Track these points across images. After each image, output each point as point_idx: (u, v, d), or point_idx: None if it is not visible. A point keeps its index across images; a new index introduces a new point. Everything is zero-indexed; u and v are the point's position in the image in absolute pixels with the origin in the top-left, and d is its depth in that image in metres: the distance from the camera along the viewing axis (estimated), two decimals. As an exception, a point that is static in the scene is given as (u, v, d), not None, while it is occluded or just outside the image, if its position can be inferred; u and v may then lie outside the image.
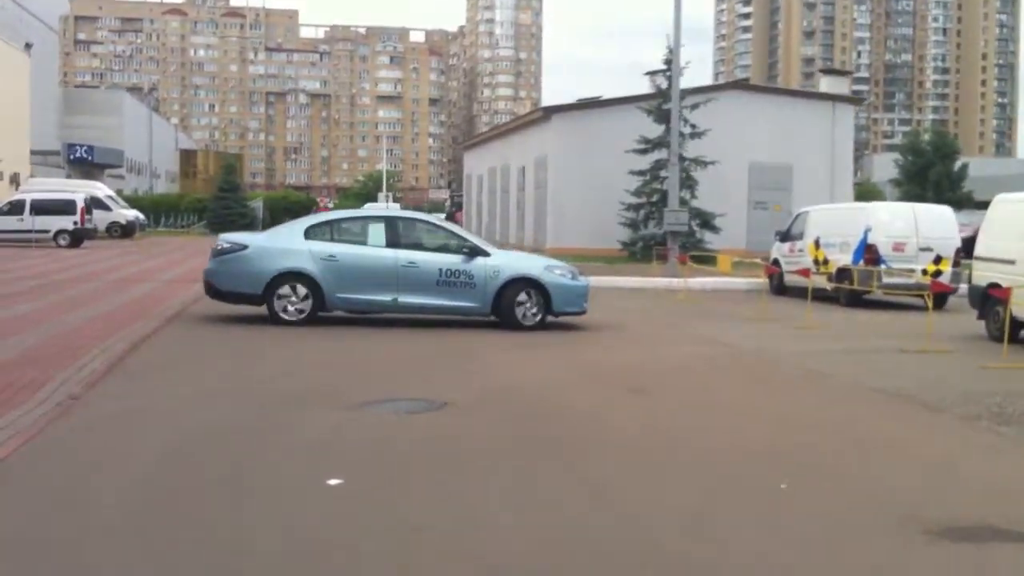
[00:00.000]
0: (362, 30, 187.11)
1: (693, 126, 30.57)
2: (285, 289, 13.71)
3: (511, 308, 13.83)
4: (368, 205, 74.67)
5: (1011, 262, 13.62)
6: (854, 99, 43.76)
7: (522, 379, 10.00)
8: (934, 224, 19.38)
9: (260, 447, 6.91)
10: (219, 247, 14.35)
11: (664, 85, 32.66)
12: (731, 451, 7.12)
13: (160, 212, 56.05)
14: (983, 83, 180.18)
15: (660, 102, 31.97)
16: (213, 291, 14.25)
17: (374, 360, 11.15)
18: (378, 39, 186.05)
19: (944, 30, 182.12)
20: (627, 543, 5.04)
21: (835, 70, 46.38)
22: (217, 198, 54.00)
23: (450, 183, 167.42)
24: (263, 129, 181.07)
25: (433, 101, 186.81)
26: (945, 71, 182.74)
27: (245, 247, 14.17)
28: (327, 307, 13.87)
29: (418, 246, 14.09)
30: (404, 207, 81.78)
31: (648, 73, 37.77)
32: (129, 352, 10.85)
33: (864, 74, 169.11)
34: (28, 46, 59.80)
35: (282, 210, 62.07)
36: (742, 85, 44.36)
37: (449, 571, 4.64)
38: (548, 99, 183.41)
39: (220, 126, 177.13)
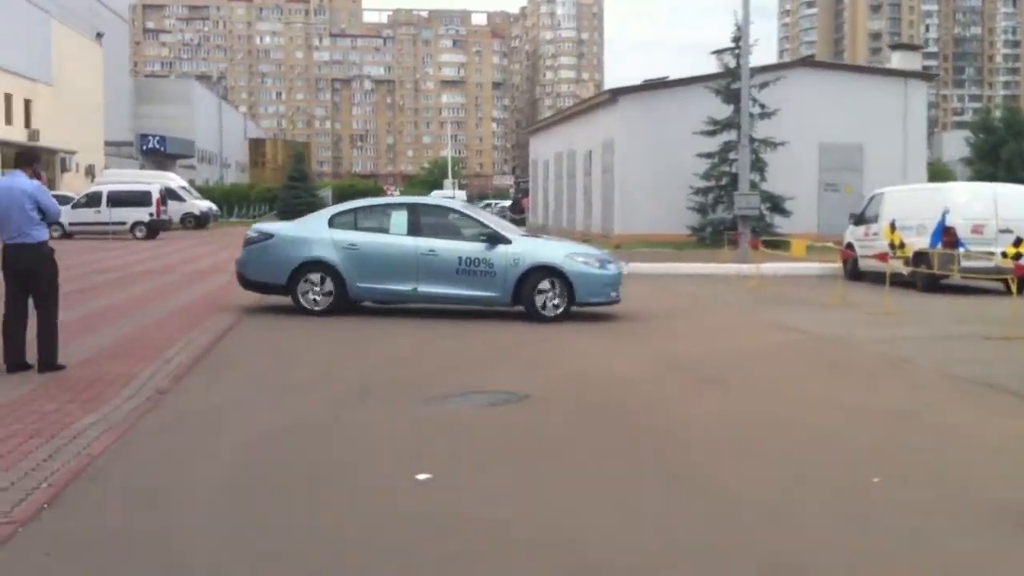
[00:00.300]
0: (424, 14, 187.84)
1: (762, 106, 30.13)
2: (309, 279, 13.66)
3: (531, 298, 13.40)
4: (435, 193, 75.17)
5: (1100, 243, 13.25)
6: (926, 75, 42.77)
7: (596, 370, 9.98)
8: (1014, 205, 18.91)
9: (347, 441, 7.00)
10: (249, 237, 14.45)
11: (732, 64, 32.18)
12: (818, 444, 7.06)
13: (231, 202, 56.97)
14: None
15: (728, 81, 31.49)
16: (243, 281, 14.33)
17: (450, 352, 11.21)
18: (440, 22, 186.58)
19: (1015, 1, 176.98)
20: (722, 538, 5.02)
21: (906, 45, 45.30)
22: (287, 187, 54.77)
23: (514, 168, 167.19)
24: (329, 117, 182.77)
25: (496, 85, 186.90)
26: (1016, 44, 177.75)
27: (271, 236, 14.19)
28: (349, 297, 13.73)
29: (439, 234, 13.75)
30: (470, 195, 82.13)
31: (715, 52, 37.28)
32: (212, 345, 11.06)
33: (932, 49, 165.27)
34: (99, 36, 60.99)
35: (351, 198, 62.70)
36: (810, 62, 43.55)
37: (546, 566, 4.65)
38: (611, 81, 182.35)
39: (287, 114, 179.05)
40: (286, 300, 14.02)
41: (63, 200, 30.78)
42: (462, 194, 75.86)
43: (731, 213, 30.49)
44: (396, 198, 18.78)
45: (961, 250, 18.17)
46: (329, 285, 13.61)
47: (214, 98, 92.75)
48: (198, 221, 42.91)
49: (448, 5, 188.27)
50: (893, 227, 19.27)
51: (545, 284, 13.40)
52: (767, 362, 10.73)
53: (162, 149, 67.86)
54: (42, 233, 9.11)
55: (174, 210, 39.66)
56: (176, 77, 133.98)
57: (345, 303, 13.70)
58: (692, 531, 5.14)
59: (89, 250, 27.09)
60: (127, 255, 25.66)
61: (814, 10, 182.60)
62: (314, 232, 13.92)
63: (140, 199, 34.27)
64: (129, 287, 17.12)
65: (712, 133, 31.21)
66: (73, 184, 47.45)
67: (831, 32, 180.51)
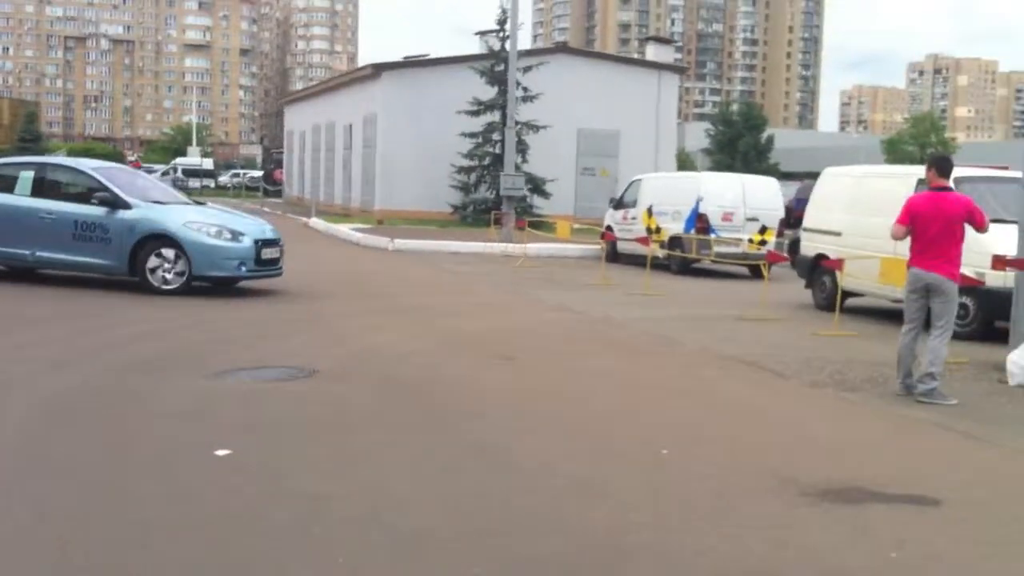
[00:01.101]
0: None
1: (525, 89, 30.72)
2: None
3: (143, 268, 12.58)
4: (178, 160, 72.03)
5: (838, 234, 14.39)
6: (678, 68, 44.97)
7: (380, 347, 9.92)
8: (760, 195, 20.27)
9: (132, 416, 6.64)
10: None
11: (496, 47, 32.65)
12: (606, 417, 7.33)
13: (-48, 161, 52.33)
14: (788, 56, 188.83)
15: (493, 63, 31.91)
16: None
17: (215, 326, 10.81)
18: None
19: (753, 1, 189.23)
20: (529, 507, 5.11)
21: (661, 38, 47.43)
22: (19, 149, 51.01)
23: (262, 138, 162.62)
24: (60, 76, 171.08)
25: (244, 51, 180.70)
26: (754, 43, 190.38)
27: None
28: None
29: (63, 197, 13.09)
30: (216, 163, 79.27)
31: (479, 33, 37.75)
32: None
33: (677, 42, 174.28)
34: None
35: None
36: (571, 50, 44.86)
37: (363, 539, 4.59)
38: (364, 54, 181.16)
39: (14, 71, 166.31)
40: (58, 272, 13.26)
41: None
42: (208, 162, 73.11)
43: (493, 193, 31.09)
44: (27, 158, 17.90)
45: (713, 236, 19.30)
46: None
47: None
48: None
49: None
50: (650, 212, 20.25)
51: (165, 253, 12.56)
52: (546, 340, 11.01)
53: None
54: None
55: None
56: None
57: None
58: (508, 502, 5.21)
59: None
60: None
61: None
62: None
63: None
64: None
65: (476, 113, 31.53)
66: None
67: (583, 20, 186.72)
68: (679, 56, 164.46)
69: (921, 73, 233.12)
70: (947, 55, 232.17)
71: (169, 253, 12.54)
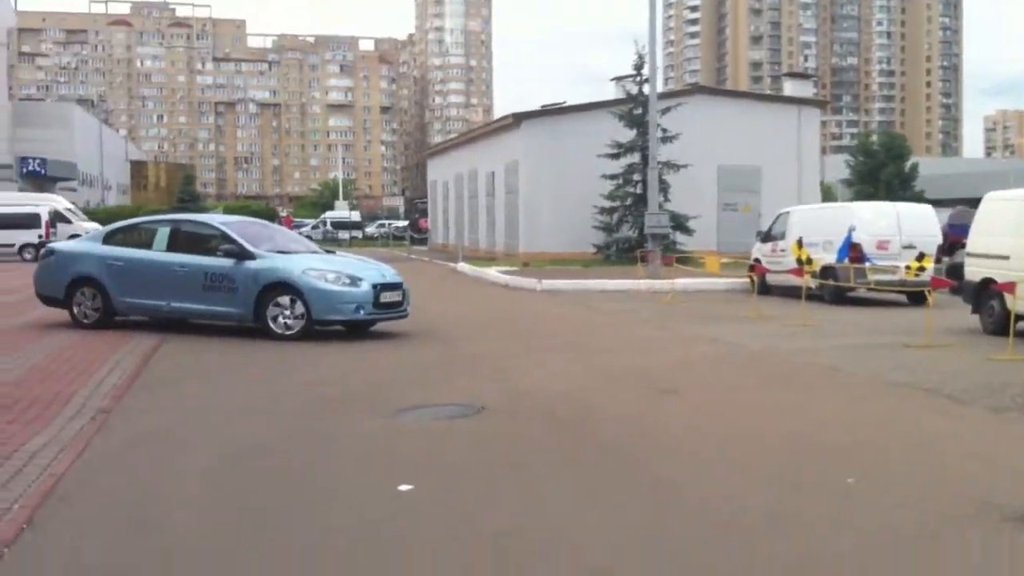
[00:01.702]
0: (311, 39, 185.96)
1: (664, 130, 30.77)
2: (83, 292, 14.09)
3: (265, 314, 13.12)
4: (327, 213, 74.39)
5: (1005, 257, 13.85)
6: (819, 102, 44.33)
7: (542, 383, 9.96)
8: (916, 222, 19.68)
9: (315, 457, 6.81)
10: (41, 254, 15.61)
11: (633, 91, 32.95)
12: (783, 448, 7.15)
13: (117, 224, 55.05)
14: (928, 84, 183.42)
15: (631, 107, 32.19)
16: (37, 294, 14.92)
17: (383, 368, 11.04)
18: (327, 48, 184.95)
19: (888, 33, 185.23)
20: (721, 543, 5.03)
21: (798, 73, 47.00)
22: (176, 209, 53.35)
23: (403, 190, 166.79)
24: (213, 139, 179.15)
25: (384, 109, 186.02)
26: (891, 73, 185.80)
27: (53, 253, 14.97)
28: (115, 311, 14.03)
29: (193, 250, 13.81)
30: (363, 215, 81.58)
31: (616, 79, 38.15)
32: (141, 366, 10.68)
33: (814, 76, 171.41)
34: (-23, 59, 58.84)
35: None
36: (708, 89, 44.85)
37: (549, 574, 4.59)
38: (499, 105, 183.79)
39: (169, 137, 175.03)
40: (206, 323, 13.86)
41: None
42: (356, 214, 75.28)
43: (635, 231, 31.13)
44: (163, 216, 19.07)
45: (868, 264, 18.78)
46: (98, 300, 14.00)
47: (94, 121, 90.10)
48: (86, 244, 41.54)
49: (335, 31, 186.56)
50: (800, 243, 19.79)
51: (283, 300, 13.11)
52: (707, 373, 10.86)
53: (43, 172, 65.46)
54: None
55: (61, 232, 38.26)
56: (56, 100, 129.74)
57: (111, 317, 14.04)
58: (697, 540, 5.14)
59: (-22, 274, 25.96)
60: (21, 277, 24.62)
61: (697, 40, 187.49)
62: (88, 249, 14.53)
63: (28, 221, 33.13)
64: (33, 309, 16.42)
65: (615, 156, 31.84)
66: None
67: (714, 61, 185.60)
68: (816, 91, 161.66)
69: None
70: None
71: (288, 300, 13.05)
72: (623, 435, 7.51)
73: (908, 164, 73.03)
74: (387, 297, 13.56)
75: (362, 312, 13.26)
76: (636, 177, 31.87)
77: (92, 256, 14.18)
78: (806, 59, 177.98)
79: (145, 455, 6.89)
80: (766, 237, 22.46)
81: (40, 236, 33.03)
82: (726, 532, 5.18)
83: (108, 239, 14.52)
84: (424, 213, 57.36)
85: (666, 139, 30.92)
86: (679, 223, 30.62)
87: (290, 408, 8.55)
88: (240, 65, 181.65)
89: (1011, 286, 12.27)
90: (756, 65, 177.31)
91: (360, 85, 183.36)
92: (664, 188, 30.47)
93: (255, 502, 5.73)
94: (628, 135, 32.06)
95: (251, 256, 13.33)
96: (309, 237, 17.68)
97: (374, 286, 13.38)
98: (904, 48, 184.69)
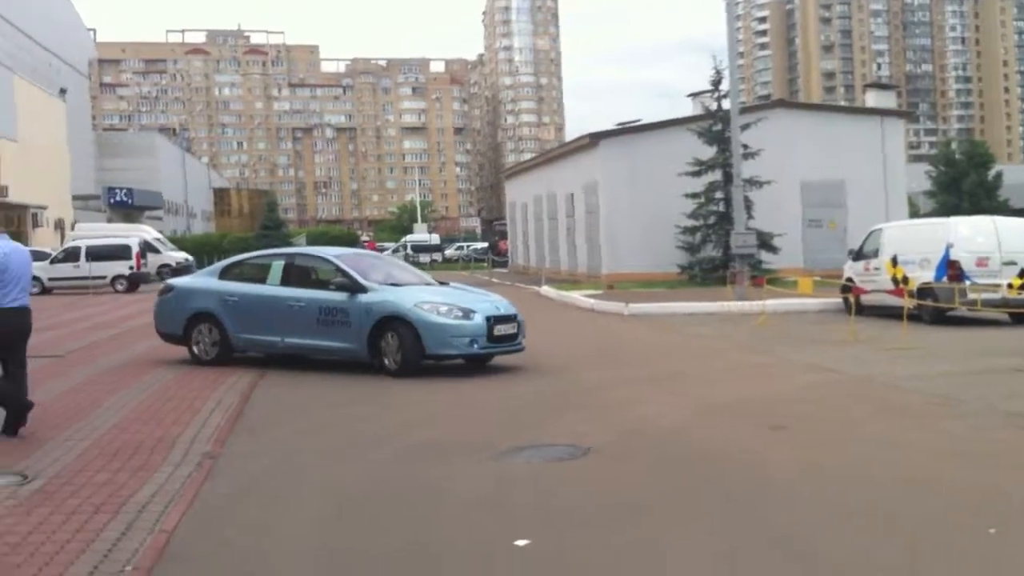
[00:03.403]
0: (383, 62, 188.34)
1: (746, 146, 30.19)
2: (200, 329, 13.95)
3: (378, 348, 12.78)
4: (407, 237, 74.96)
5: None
6: (903, 112, 43.49)
7: (647, 420, 9.75)
8: (1017, 237, 18.99)
9: (425, 505, 6.70)
10: (160, 289, 15.36)
11: (712, 106, 32.61)
12: (904, 492, 6.82)
13: (204, 252, 56.12)
14: (1006, 90, 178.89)
15: (711, 123, 31.83)
16: (157, 331, 14.83)
17: (477, 407, 10.91)
18: (399, 71, 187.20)
19: (963, 39, 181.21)
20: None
21: (881, 84, 46.13)
22: (260, 236, 54.24)
23: (480, 211, 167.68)
24: (292, 164, 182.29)
25: (458, 130, 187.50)
26: (967, 80, 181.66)
27: (171, 289, 14.76)
28: (232, 347, 13.84)
29: (307, 284, 13.64)
30: (442, 238, 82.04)
31: (693, 95, 37.84)
32: (243, 404, 10.72)
33: (897, 87, 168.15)
34: (63, 92, 60.52)
35: (325, 245, 62.23)
36: (788, 104, 44.34)
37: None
38: (571, 124, 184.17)
39: (250, 163, 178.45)
40: (300, 357, 13.86)
41: (39, 256, 30.27)
42: (435, 237, 75.75)
43: (719, 251, 30.69)
44: (277, 250, 18.66)
45: (967, 283, 18.21)
46: (216, 335, 13.84)
47: (177, 149, 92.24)
48: (175, 272, 42.30)
49: (406, 54, 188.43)
50: (895, 262, 19.25)
51: (390, 335, 12.70)
52: (815, 405, 10.53)
53: (130, 201, 67.15)
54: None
55: (151, 262, 39.14)
56: (137, 130, 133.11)
57: (230, 353, 13.83)
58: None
59: (73, 306, 26.56)
60: (115, 310, 25.18)
61: (767, 52, 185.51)
62: (205, 285, 14.36)
63: (120, 252, 33.82)
64: (130, 345, 16.68)
65: (696, 174, 31.42)
66: (44, 239, 46.72)
67: (785, 72, 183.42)
68: (899, 101, 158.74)
69: None
70: None
71: (403, 333, 12.58)
72: (740, 480, 7.26)
73: (991, 173, 71.18)
74: (501, 330, 13.06)
75: (476, 346, 12.81)
76: (718, 195, 31.46)
77: (209, 292, 14.05)
78: (879, 67, 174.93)
79: (253, 506, 6.84)
80: (858, 255, 21.91)
81: (131, 267, 33.70)
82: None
83: (224, 274, 14.40)
84: (503, 235, 57.44)
85: (747, 155, 30.34)
86: (764, 241, 30.06)
87: (394, 450, 8.46)
88: (315, 90, 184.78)
89: None
90: (829, 75, 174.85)
91: (433, 107, 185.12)
92: (748, 205, 29.99)
93: (368, 559, 5.62)
94: (708, 152, 31.68)
95: (363, 289, 12.95)
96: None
97: (487, 319, 12.88)
98: (980, 53, 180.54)
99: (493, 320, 12.96)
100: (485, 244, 67.06)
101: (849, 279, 21.76)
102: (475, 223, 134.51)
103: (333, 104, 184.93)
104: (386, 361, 12.72)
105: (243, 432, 9.31)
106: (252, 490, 7.25)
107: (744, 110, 32.82)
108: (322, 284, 13.52)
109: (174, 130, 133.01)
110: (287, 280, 13.65)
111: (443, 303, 12.88)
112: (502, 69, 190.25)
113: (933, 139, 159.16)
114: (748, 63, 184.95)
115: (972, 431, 8.96)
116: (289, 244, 53.70)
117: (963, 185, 69.70)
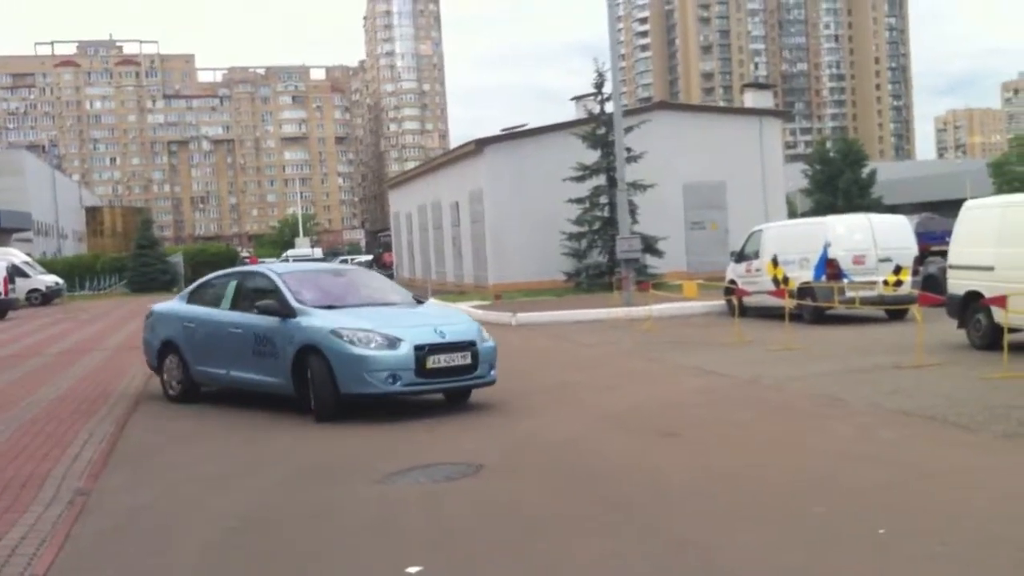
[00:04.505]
0: (261, 71, 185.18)
1: (629, 149, 30.48)
2: (169, 360, 12.54)
3: (302, 385, 10.71)
4: (289, 252, 73.75)
5: (989, 268, 13.70)
6: (780, 112, 44.49)
7: (538, 431, 9.65)
8: (891, 234, 19.56)
9: (312, 533, 6.43)
10: (145, 316, 13.82)
11: (595, 110, 32.71)
12: (799, 492, 6.85)
13: (76, 275, 54.01)
14: (877, 87, 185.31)
15: (594, 127, 31.92)
16: (148, 364, 13.59)
17: (369, 426, 10.63)
18: (278, 79, 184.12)
19: (836, 36, 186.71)
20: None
21: (758, 84, 47.16)
22: (135, 256, 52.59)
23: (363, 222, 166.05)
24: (167, 180, 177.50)
25: (339, 139, 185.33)
26: (840, 78, 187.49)
27: (151, 315, 13.41)
28: (196, 381, 12.30)
29: (249, 307, 11.60)
30: (325, 251, 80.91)
31: (575, 98, 37.97)
32: (118, 436, 10.21)
33: (775, 86, 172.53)
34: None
35: (203, 264, 60.86)
36: (670, 105, 44.95)
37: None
38: (456, 129, 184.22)
39: (123, 180, 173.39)
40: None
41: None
42: (318, 251, 74.69)
43: (605, 256, 30.81)
44: (232, 269, 15.35)
45: (845, 281, 18.64)
46: (182, 369, 12.37)
47: (47, 167, 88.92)
48: (45, 297, 40.79)
49: (285, 62, 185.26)
50: (776, 262, 19.58)
51: (311, 369, 10.51)
52: (703, 410, 10.57)
53: (-3, 223, 64.38)
54: None
55: (19, 287, 37.50)
56: (5, 147, 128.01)
57: (196, 388, 12.33)
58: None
59: (-64, 335, 25.21)
60: (-20, 338, 23.97)
61: (648, 53, 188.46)
62: (175, 309, 12.91)
63: (-15, 278, 32.20)
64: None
65: (581, 179, 31.45)
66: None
67: (666, 73, 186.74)
68: (776, 101, 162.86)
69: (1016, 92, 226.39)
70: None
71: (316, 367, 10.45)
72: (635, 491, 7.17)
73: (866, 170, 73.70)
74: (439, 361, 10.41)
75: (398, 383, 10.21)
76: (603, 199, 31.52)
77: (176, 317, 12.63)
78: (756, 67, 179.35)
79: (129, 544, 6.45)
80: (740, 257, 22.26)
81: (-1, 293, 32.19)
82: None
83: (192, 297, 12.85)
84: (388, 247, 56.92)
85: (631, 158, 30.58)
86: (649, 245, 30.33)
87: (279, 476, 8.15)
88: (191, 102, 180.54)
89: (1001, 300, 12.09)
90: (708, 76, 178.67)
91: (313, 116, 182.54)
92: (632, 209, 30.20)
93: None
94: (593, 156, 31.74)
95: (292, 313, 10.91)
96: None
97: (418, 348, 10.29)
98: (852, 51, 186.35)
99: (427, 349, 10.32)
100: (369, 257, 66.41)
101: (732, 281, 22.08)
102: (359, 235, 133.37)
103: (210, 115, 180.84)
104: (311, 401, 10.64)
105: (119, 465, 8.85)
106: (128, 527, 6.86)
107: (627, 113, 33.03)
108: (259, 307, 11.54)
109: (44, 147, 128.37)
110: (236, 303, 11.94)
111: (363, 329, 10.41)
112: (384, 75, 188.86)
113: (809, 138, 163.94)
114: (630, 64, 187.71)
115: (859, 431, 9.07)
116: (167, 263, 52.21)
117: (838, 183, 72.05)
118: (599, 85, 32.31)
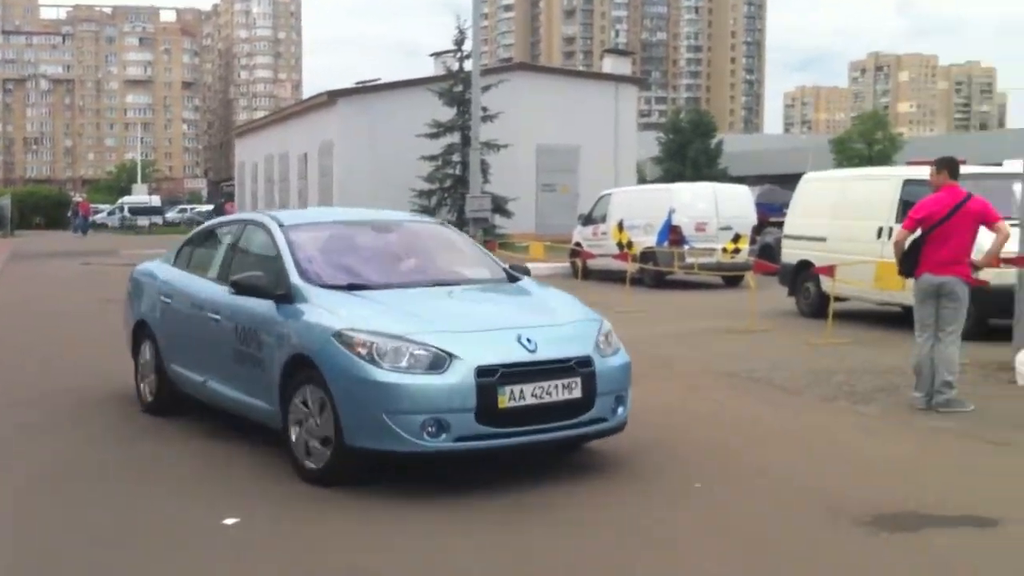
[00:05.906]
0: (108, 10, 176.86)
1: (485, 108, 30.32)
2: (142, 350, 8.48)
3: (286, 420, 6.37)
4: (125, 199, 70.71)
5: (822, 239, 14.25)
6: (637, 79, 45.06)
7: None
8: (733, 203, 20.17)
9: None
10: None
11: (453, 67, 32.50)
12: (620, 448, 6.90)
13: None
14: (732, 60, 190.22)
15: (452, 84, 31.71)
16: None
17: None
18: (126, 19, 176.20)
19: (696, 8, 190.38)
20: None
21: (618, 50, 47.69)
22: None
23: (206, 171, 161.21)
24: (0, 119, 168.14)
25: (187, 85, 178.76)
26: (697, 49, 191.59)
27: (131, 279, 9.21)
28: (172, 383, 7.99)
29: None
30: (164, 200, 77.80)
31: (435, 54, 37.64)
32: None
33: (634, 53, 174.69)
34: None
35: (32, 208, 57.98)
36: (529, 67, 44.91)
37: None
38: (309, 81, 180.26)
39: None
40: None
41: None
42: (156, 199, 71.84)
43: (454, 215, 30.73)
44: (236, 216, 10.31)
45: (687, 247, 19.13)
46: (153, 364, 8.24)
47: None
48: None
49: (134, 2, 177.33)
50: (621, 227, 19.95)
51: (303, 395, 6.24)
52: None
53: None
54: None
55: None
56: None
57: (174, 395, 8.03)
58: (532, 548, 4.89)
59: None
60: None
61: (511, 14, 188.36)
62: (155, 272, 8.71)
63: None
64: None
65: (435, 136, 31.29)
66: None
67: (528, 35, 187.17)
68: (634, 68, 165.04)
69: (863, 71, 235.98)
70: (888, 52, 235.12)
71: (313, 396, 6.16)
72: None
73: (714, 141, 75.68)
74: (525, 395, 5.88)
75: (444, 436, 5.75)
76: (456, 158, 31.41)
77: (151, 286, 8.55)
78: (617, 34, 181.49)
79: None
80: (587, 220, 22.56)
81: None
82: (599, 553, 4.95)
83: (179, 256, 8.59)
84: (231, 197, 55.44)
85: (487, 118, 30.48)
86: (499, 206, 30.33)
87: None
88: (31, 38, 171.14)
89: (830, 269, 12.59)
90: (569, 40, 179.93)
91: (160, 59, 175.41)
92: (484, 169, 30.19)
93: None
94: (448, 114, 31.57)
95: (289, 295, 6.60)
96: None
97: (484, 372, 5.81)
98: (711, 23, 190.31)
99: (500, 374, 5.84)
100: (211, 207, 64.39)
101: (578, 244, 22.38)
102: (201, 184, 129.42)
103: (50, 53, 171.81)
104: (294, 448, 6.31)
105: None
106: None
107: (485, 72, 32.91)
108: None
109: None
110: (225, 269, 7.63)
111: (389, 334, 5.96)
112: (238, 21, 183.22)
113: (663, 107, 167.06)
114: (492, 24, 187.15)
115: (688, 390, 9.34)
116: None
117: (688, 152, 73.72)
118: (459, 42, 32.11)
